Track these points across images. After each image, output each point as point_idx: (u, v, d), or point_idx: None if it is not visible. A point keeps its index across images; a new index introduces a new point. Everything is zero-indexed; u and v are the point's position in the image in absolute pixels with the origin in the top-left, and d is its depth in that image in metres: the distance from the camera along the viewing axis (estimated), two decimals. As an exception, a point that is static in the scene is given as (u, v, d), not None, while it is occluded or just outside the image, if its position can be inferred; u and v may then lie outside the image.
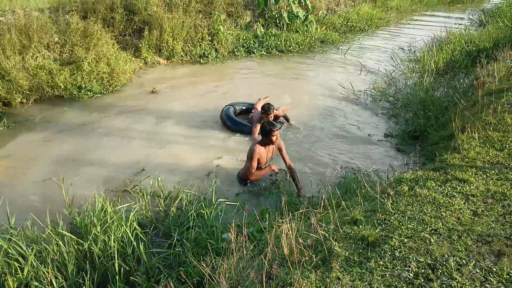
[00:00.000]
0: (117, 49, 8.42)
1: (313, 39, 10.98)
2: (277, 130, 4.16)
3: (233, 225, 2.70)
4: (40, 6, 9.16)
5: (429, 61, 8.28)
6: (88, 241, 3.06)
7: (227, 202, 3.59)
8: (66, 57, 7.38)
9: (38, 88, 6.60)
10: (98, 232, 3.20)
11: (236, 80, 8.26)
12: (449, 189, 3.07)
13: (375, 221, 2.69)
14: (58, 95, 6.85)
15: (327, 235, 2.55)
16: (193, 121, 6.14)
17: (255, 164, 4.20)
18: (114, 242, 3.14)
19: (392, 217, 2.72)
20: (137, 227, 3.24)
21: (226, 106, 6.23)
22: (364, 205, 3.07)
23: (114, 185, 4.45)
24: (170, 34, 9.07)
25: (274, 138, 4.20)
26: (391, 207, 2.84)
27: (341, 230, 2.65)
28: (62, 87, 6.81)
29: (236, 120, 5.90)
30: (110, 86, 7.27)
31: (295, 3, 11.37)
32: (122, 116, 6.28)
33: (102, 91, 7.13)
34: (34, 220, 3.35)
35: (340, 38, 11.80)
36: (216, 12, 9.67)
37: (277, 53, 10.23)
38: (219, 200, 3.58)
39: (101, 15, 8.64)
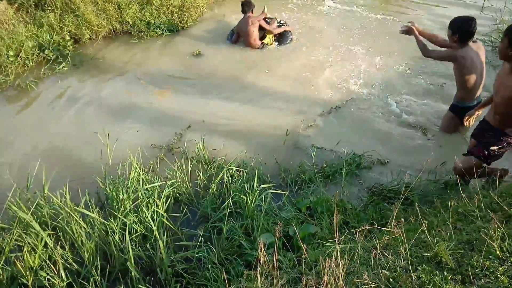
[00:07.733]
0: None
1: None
2: None
3: (278, 229, 2.05)
4: None
5: None
6: (115, 222, 2.68)
7: (273, 191, 2.88)
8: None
9: (106, 23, 6.28)
10: (129, 212, 2.80)
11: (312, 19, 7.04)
12: None
13: (471, 272, 1.78)
14: (127, 31, 6.47)
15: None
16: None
17: None
18: (139, 225, 2.74)
19: (501, 268, 1.78)
20: (162, 213, 2.75)
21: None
22: (455, 230, 2.13)
23: (162, 140, 4.03)
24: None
25: None
26: (498, 246, 1.88)
27: (413, 275, 1.82)
28: (131, 23, 6.40)
29: None
30: (180, 23, 6.65)
31: None
32: (186, 60, 5.70)
33: (172, 28, 6.55)
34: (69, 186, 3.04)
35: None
36: None
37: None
38: (262, 186, 2.89)
39: None
